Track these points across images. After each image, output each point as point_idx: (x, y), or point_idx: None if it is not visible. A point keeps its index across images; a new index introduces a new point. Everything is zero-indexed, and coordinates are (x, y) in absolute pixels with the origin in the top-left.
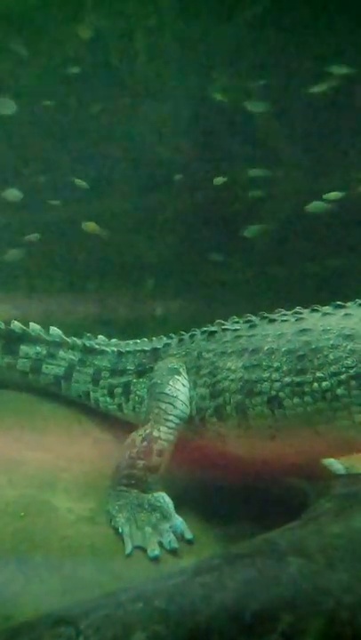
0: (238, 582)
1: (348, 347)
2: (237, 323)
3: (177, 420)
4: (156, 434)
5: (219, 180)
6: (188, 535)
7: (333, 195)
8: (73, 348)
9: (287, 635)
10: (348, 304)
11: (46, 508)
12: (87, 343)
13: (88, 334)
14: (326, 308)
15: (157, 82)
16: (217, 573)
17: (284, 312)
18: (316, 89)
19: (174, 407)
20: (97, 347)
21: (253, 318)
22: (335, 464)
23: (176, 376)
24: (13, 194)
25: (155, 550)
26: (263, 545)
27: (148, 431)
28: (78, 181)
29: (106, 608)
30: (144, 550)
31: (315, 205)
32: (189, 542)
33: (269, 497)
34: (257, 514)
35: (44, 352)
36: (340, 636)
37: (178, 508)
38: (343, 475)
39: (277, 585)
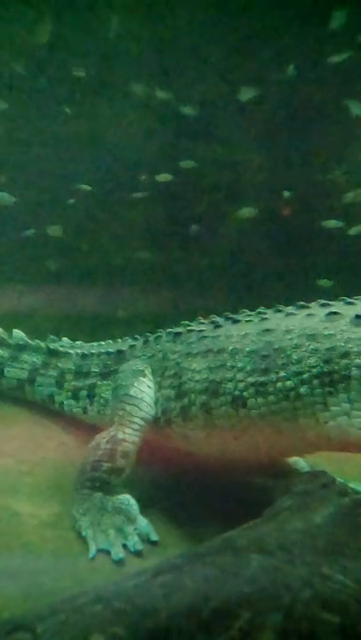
0: (198, 581)
1: (311, 346)
2: (203, 324)
3: (142, 422)
4: (120, 436)
5: (188, 164)
6: (154, 537)
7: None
8: (36, 350)
9: (245, 631)
10: (311, 304)
11: (8, 513)
12: (51, 346)
13: (52, 336)
14: (289, 308)
15: (120, 84)
16: (177, 573)
17: (248, 312)
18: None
19: (139, 409)
20: (61, 349)
21: (218, 319)
22: (300, 462)
23: (141, 378)
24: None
25: (119, 553)
26: (224, 543)
27: (112, 433)
28: (84, 186)
29: (64, 612)
30: (108, 553)
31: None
32: (154, 544)
33: (235, 496)
34: (223, 513)
35: (7, 355)
36: (298, 631)
37: (143, 510)
38: (305, 472)
39: (237, 582)
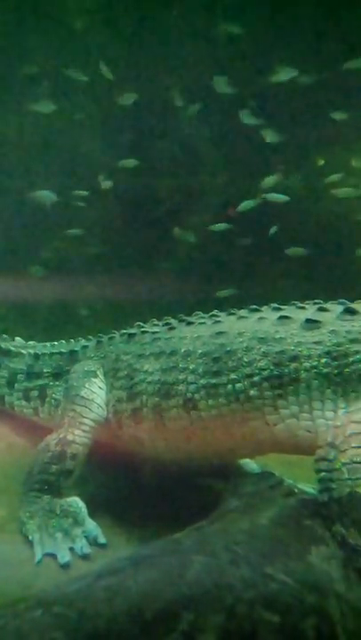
0: (141, 583)
1: (262, 349)
2: (156, 325)
3: (92, 424)
4: (70, 437)
5: (130, 163)
6: (102, 540)
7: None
8: None
9: (187, 633)
10: (263, 308)
11: None
12: (2, 345)
13: (4, 336)
14: (242, 312)
15: (80, 83)
16: (121, 575)
17: (201, 315)
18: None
19: (90, 410)
20: (13, 349)
21: (172, 321)
22: (250, 464)
23: (93, 379)
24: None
25: (65, 557)
26: (169, 545)
27: (62, 435)
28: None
29: (3, 618)
30: (55, 557)
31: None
32: (103, 547)
33: (184, 498)
34: (172, 515)
35: None
36: (239, 631)
37: (92, 512)
38: (254, 473)
39: (180, 584)
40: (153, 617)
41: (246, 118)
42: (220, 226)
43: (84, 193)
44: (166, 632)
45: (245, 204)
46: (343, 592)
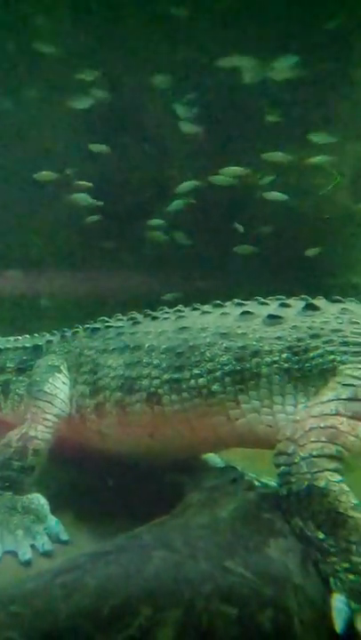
0: (100, 579)
1: (224, 344)
2: (121, 320)
3: (55, 419)
4: (32, 433)
5: (99, 148)
6: (64, 536)
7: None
8: None
9: (145, 628)
10: (227, 303)
11: None
12: None
13: None
14: (206, 307)
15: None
16: (79, 572)
17: (166, 310)
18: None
19: (53, 405)
20: None
21: (137, 316)
22: (214, 458)
23: (56, 373)
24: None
25: (26, 554)
26: (128, 541)
27: (24, 431)
28: None
29: None
30: (16, 555)
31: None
32: (65, 543)
33: (148, 493)
34: (135, 511)
35: None
36: (197, 625)
37: (54, 509)
38: (216, 468)
39: (139, 579)
40: (110, 613)
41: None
42: (156, 221)
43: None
44: (123, 627)
45: (175, 204)
46: (301, 584)
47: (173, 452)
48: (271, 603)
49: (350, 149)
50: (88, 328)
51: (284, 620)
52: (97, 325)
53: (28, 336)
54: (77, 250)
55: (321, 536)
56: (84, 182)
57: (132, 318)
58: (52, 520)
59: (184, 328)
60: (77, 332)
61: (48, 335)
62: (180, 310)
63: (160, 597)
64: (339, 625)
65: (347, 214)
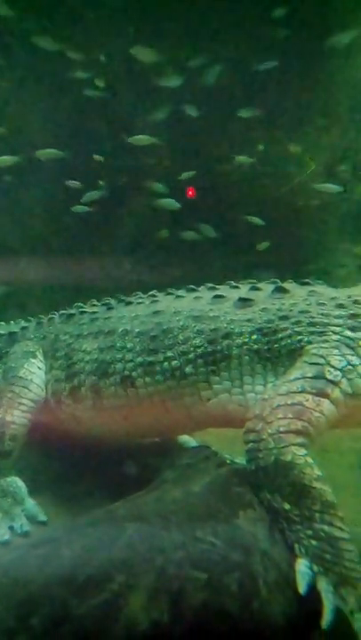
0: (75, 550)
1: (196, 327)
2: (96, 305)
3: (31, 404)
4: (9, 418)
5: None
6: (42, 517)
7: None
8: None
9: (118, 592)
10: (200, 288)
11: None
12: None
13: None
14: (179, 292)
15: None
16: (54, 544)
17: (140, 295)
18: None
19: (29, 390)
20: None
21: (111, 301)
22: (190, 441)
23: (32, 359)
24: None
25: (4, 535)
26: (104, 515)
27: (1, 416)
28: None
29: None
30: None
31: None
32: (43, 524)
33: (124, 475)
34: (113, 492)
35: None
36: (168, 589)
37: (32, 492)
38: (190, 447)
39: (113, 549)
40: (84, 580)
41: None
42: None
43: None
44: (97, 593)
45: (90, 195)
46: (267, 550)
47: (148, 433)
48: (238, 567)
49: (325, 140)
50: (63, 314)
51: (249, 583)
52: (72, 311)
53: (3, 323)
54: (54, 238)
55: (287, 506)
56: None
57: (106, 304)
58: (30, 502)
59: (157, 312)
60: (53, 318)
61: (23, 322)
62: (153, 295)
63: (133, 565)
64: (302, 586)
65: (321, 202)
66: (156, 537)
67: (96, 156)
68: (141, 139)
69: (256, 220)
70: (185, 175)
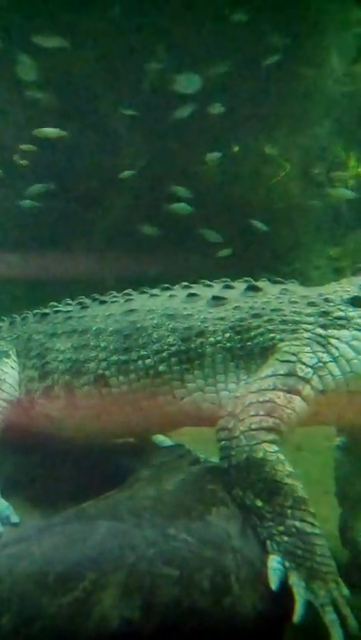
0: (45, 549)
1: (170, 326)
2: (70, 304)
3: (4, 404)
4: None
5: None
6: (15, 519)
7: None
8: None
9: (89, 590)
10: (175, 286)
11: None
12: None
13: None
14: (154, 290)
15: None
16: (25, 543)
17: (114, 294)
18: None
19: (2, 391)
20: None
21: (86, 300)
22: (165, 440)
23: (5, 359)
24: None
25: None
26: (75, 513)
27: None
28: None
29: None
30: None
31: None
32: (16, 526)
33: (98, 475)
34: (86, 491)
35: None
36: (139, 586)
37: (5, 492)
38: (165, 446)
39: (84, 547)
40: (56, 578)
41: None
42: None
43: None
44: (69, 591)
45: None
46: (240, 547)
47: (123, 433)
48: (210, 564)
49: (300, 142)
50: (37, 313)
51: (221, 580)
52: (46, 310)
53: None
54: (28, 237)
55: (259, 503)
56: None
57: (80, 302)
58: (3, 503)
59: (132, 310)
60: (27, 317)
61: None
62: (128, 294)
63: (105, 562)
64: (274, 582)
65: (296, 204)
66: (128, 534)
67: (24, 146)
68: (49, 131)
69: (261, 226)
70: (127, 174)
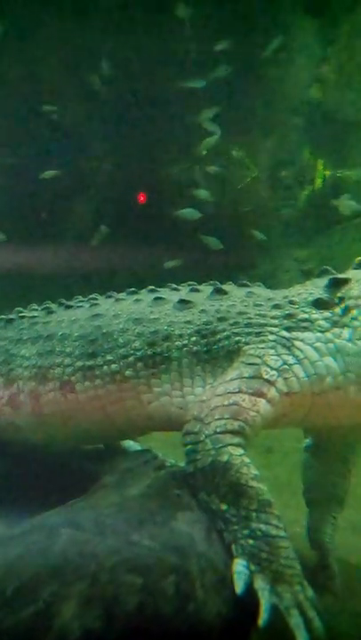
0: (4, 561)
1: (136, 330)
2: (36, 310)
3: None
4: None
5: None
6: None
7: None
8: None
9: (49, 602)
10: (141, 291)
11: None
12: None
13: None
14: (121, 295)
15: None
16: None
17: (80, 298)
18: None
19: None
20: None
21: (52, 305)
22: (134, 446)
23: None
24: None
25: None
26: (36, 523)
27: None
28: None
29: None
30: None
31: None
32: None
33: (65, 481)
34: (51, 499)
35: None
36: (101, 596)
37: None
38: (131, 451)
39: (44, 558)
40: (14, 592)
41: None
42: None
43: None
44: (27, 604)
45: (188, 212)
46: (204, 552)
47: (90, 439)
48: (174, 570)
49: (268, 145)
50: (2, 319)
51: (185, 585)
52: (11, 316)
53: None
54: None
55: (224, 507)
56: None
57: (46, 308)
58: None
59: (97, 315)
60: None
61: None
62: (94, 298)
63: (65, 573)
64: (239, 586)
65: (264, 206)
66: (89, 543)
67: None
68: None
69: (259, 235)
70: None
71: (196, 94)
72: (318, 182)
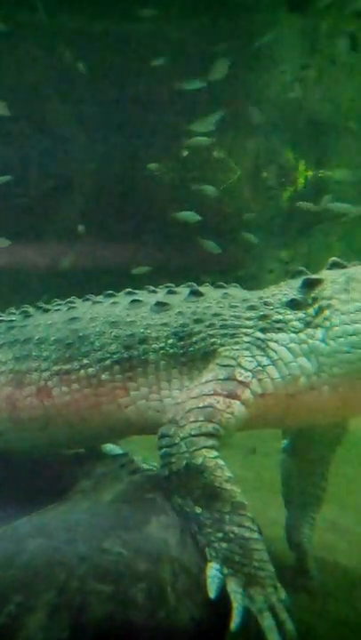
0: None
1: (113, 333)
2: (13, 314)
3: None
4: None
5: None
6: None
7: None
8: None
9: (14, 614)
10: (119, 293)
11: None
12: None
13: None
14: (98, 297)
15: None
16: None
17: (58, 302)
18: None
19: None
20: None
21: (29, 309)
22: (115, 449)
23: None
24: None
25: None
26: (4, 532)
27: None
28: None
29: None
30: None
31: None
32: None
33: (41, 486)
34: (26, 506)
35: None
36: (69, 605)
37: None
38: (108, 456)
39: (11, 568)
40: None
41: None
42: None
43: None
44: None
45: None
46: (178, 556)
47: (68, 444)
48: (145, 577)
49: (251, 146)
50: None
51: (156, 591)
52: None
53: None
54: None
55: (198, 510)
56: None
57: (23, 311)
58: None
59: (74, 319)
60: None
61: None
62: (71, 301)
63: (32, 583)
64: (212, 590)
65: (246, 207)
66: (58, 551)
67: None
68: None
69: (252, 239)
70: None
71: (184, 96)
72: (301, 182)
